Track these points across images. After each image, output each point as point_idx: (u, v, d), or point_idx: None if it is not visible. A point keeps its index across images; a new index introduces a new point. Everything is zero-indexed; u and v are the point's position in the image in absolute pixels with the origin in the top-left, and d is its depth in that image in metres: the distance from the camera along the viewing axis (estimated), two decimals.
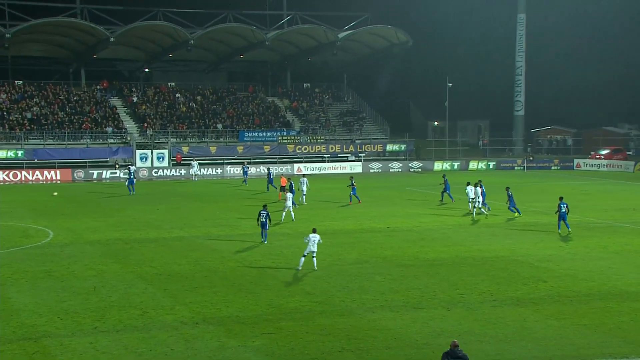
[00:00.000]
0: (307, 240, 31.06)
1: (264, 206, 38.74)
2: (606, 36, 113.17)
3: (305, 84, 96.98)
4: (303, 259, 31.14)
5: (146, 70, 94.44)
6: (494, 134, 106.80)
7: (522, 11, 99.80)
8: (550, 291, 28.23)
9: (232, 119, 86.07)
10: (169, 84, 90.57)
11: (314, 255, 31.10)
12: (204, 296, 27.26)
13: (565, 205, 39.52)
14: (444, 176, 54.90)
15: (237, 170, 76.69)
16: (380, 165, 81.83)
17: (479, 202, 46.27)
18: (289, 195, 45.35)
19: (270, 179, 61.27)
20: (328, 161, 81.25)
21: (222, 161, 78.79)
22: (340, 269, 31.85)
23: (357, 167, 79.97)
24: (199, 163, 73.30)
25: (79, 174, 73.08)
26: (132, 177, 59.12)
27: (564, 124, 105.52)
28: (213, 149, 79.94)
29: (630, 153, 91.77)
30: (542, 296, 27.52)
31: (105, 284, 29.00)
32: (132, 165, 67.11)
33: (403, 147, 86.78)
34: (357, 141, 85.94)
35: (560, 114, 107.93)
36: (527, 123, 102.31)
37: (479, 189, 46.89)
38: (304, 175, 56.44)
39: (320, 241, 31.47)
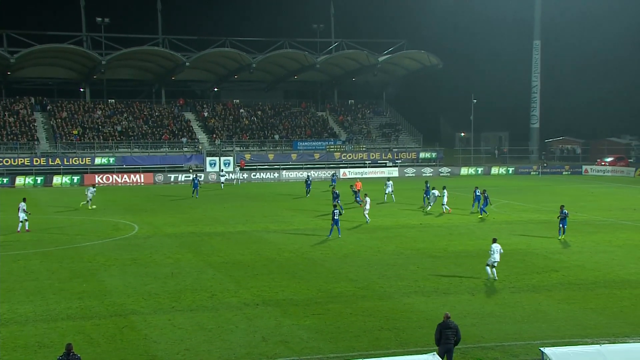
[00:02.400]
0: (491, 252, 27.49)
1: (334, 206, 39.23)
2: (610, 58, 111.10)
3: (350, 101, 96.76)
4: (488, 268, 27.58)
5: (215, 89, 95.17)
6: (513, 143, 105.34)
7: (537, 38, 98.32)
8: (561, 279, 27.81)
9: (287, 131, 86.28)
10: (234, 101, 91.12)
11: (495, 265, 27.55)
12: (263, 281, 27.38)
13: (566, 212, 36.90)
14: (426, 182, 52.33)
15: (292, 174, 77.17)
16: (414, 170, 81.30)
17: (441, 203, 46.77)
18: (368, 199, 42.55)
19: (308, 184, 58.66)
20: (369, 167, 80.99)
21: (278, 166, 79.02)
22: (380, 259, 31.75)
23: (394, 172, 79.53)
24: (226, 171, 73.17)
25: (159, 177, 73.95)
26: (196, 182, 58.59)
27: (573, 135, 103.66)
28: (271, 156, 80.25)
29: (632, 160, 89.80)
30: (554, 284, 27.12)
31: (180, 271, 29.31)
32: (197, 174, 67.31)
33: (434, 154, 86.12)
34: (394, 149, 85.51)
35: (570, 126, 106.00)
36: (541, 134, 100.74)
37: (445, 191, 47.34)
38: (388, 179, 56.21)
39: (502, 250, 27.85)
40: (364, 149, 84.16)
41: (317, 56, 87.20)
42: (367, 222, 41.90)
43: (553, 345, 17.48)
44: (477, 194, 46.06)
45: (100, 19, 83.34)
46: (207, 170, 75.41)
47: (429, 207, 48.15)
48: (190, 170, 74.40)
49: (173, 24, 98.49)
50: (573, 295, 25.35)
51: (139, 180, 73.06)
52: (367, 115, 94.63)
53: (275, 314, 23.12)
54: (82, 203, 50.60)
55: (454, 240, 36.70)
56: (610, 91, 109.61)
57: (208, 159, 76.78)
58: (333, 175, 66.10)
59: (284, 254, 33.13)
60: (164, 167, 75.65)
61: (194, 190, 57.59)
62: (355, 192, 52.30)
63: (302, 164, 79.64)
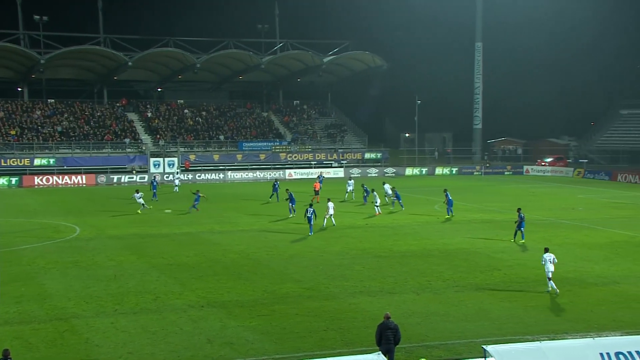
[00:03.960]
0: (543, 262, 26.05)
1: (310, 204, 39.69)
2: (549, 61, 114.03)
3: (295, 101, 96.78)
4: (549, 281, 25.89)
5: (159, 89, 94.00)
6: (456, 144, 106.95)
7: (479, 40, 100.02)
8: (503, 278, 28.32)
9: (233, 131, 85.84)
10: (178, 101, 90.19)
11: (550, 276, 25.87)
12: (208, 283, 27.18)
13: (523, 215, 36.93)
14: (362, 185, 53.99)
15: (238, 175, 76.82)
16: (360, 170, 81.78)
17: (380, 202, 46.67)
18: (331, 204, 41.91)
19: (275, 188, 55.36)
20: (315, 167, 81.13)
21: (224, 167, 78.51)
22: (326, 260, 31.83)
23: (339, 173, 79.89)
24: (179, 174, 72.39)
25: (102, 178, 72.68)
26: (155, 184, 57.39)
27: (515, 136, 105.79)
28: (216, 157, 79.70)
29: (570, 161, 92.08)
30: (497, 282, 27.61)
31: (124, 273, 28.88)
32: (155, 176, 66.27)
33: (379, 155, 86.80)
34: (339, 150, 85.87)
35: (512, 127, 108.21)
36: (484, 135, 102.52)
37: (376, 193, 47.50)
38: (350, 178, 56.46)
39: (555, 260, 26.10)
40: (309, 149, 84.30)
41: (262, 57, 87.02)
42: (323, 226, 41.08)
43: (495, 343, 17.80)
44: (449, 197, 45.79)
45: (38, 16, 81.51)
46: (151, 171, 74.41)
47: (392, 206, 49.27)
48: (134, 172, 73.20)
49: (115, 23, 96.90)
50: (515, 294, 25.84)
51: (80, 182, 71.66)
52: (313, 116, 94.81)
53: (221, 315, 22.96)
54: (138, 211, 47.93)
55: (399, 240, 37.02)
56: (549, 93, 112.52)
57: (152, 159, 75.81)
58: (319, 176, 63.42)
59: (230, 255, 32.93)
60: (107, 168, 74.39)
61: (153, 193, 55.83)
62: (316, 193, 52.65)
63: (247, 165, 79.38)
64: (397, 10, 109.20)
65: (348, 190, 55.73)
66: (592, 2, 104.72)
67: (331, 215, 41.43)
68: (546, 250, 26.34)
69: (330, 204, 41.52)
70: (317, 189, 53.31)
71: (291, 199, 45.97)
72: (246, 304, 24.27)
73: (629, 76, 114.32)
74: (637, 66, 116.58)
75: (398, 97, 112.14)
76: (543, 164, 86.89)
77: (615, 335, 19.96)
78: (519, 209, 37.23)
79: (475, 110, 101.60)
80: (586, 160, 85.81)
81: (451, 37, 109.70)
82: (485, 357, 16.15)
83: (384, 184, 53.18)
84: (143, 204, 48.00)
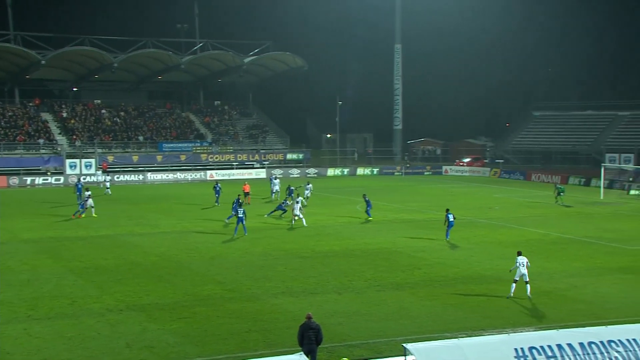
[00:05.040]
0: (517, 265, 25.57)
1: (240, 204, 39.47)
2: (465, 65, 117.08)
3: (216, 102, 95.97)
4: (514, 285, 25.55)
5: (74, 89, 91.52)
6: (377, 144, 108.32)
7: (398, 42, 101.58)
8: (424, 277, 28.87)
9: (152, 132, 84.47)
10: (95, 101, 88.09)
11: (527, 281, 25.39)
12: (128, 286, 26.70)
13: (452, 215, 37.85)
14: (216, 182, 53.97)
15: (158, 176, 75.61)
16: (282, 171, 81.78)
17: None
18: (297, 205, 42.18)
19: (217, 191, 52.90)
20: (236, 168, 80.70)
21: (143, 169, 77.14)
22: (248, 261, 31.74)
23: (261, 173, 79.72)
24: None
25: (14, 180, 70.16)
26: (79, 186, 55.22)
27: (434, 137, 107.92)
28: (135, 158, 78.25)
29: (487, 161, 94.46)
30: (417, 281, 28.12)
31: (38, 277, 28.04)
32: (80, 178, 64.26)
33: (301, 155, 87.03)
34: (261, 151, 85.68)
35: (431, 128, 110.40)
36: (404, 136, 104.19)
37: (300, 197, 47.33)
38: (308, 182, 55.41)
39: (528, 264, 25.66)
40: (231, 150, 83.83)
41: (182, 56, 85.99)
42: (291, 223, 41.97)
43: (415, 341, 18.14)
44: (367, 199, 46.12)
45: None
46: (67, 172, 72.44)
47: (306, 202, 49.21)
48: (48, 173, 71.01)
49: (26, 20, 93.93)
50: (434, 292, 26.39)
51: None
52: (234, 117, 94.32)
53: (140, 319, 22.59)
54: (93, 214, 45.74)
55: (322, 240, 37.23)
56: (467, 94, 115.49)
57: (68, 161, 73.75)
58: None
59: (150, 257, 32.43)
60: (19, 170, 71.95)
61: (78, 196, 53.22)
62: (246, 194, 52.05)
63: (168, 166, 78.27)
64: (318, 11, 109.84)
65: (274, 190, 55.63)
66: (506, 6, 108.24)
67: (299, 216, 41.83)
68: (519, 254, 25.91)
69: (297, 205, 42.31)
70: (246, 191, 52.72)
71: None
72: (167, 307, 23.96)
73: (542, 79, 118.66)
74: (548, 69, 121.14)
75: (319, 98, 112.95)
76: (461, 164, 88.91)
77: (530, 331, 20.63)
78: (447, 210, 38.26)
79: (395, 111, 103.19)
80: (502, 161, 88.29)
81: (371, 38, 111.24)
82: (405, 355, 16.45)
83: (307, 183, 53.55)
84: (92, 206, 46.19)
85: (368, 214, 45.18)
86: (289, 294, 25.92)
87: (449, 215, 37.45)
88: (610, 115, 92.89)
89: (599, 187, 62.36)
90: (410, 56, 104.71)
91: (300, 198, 45.43)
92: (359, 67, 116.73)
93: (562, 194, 53.38)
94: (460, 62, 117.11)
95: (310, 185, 54.72)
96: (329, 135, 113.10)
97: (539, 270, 30.05)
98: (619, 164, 76.90)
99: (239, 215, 38.26)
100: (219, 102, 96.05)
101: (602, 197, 58.37)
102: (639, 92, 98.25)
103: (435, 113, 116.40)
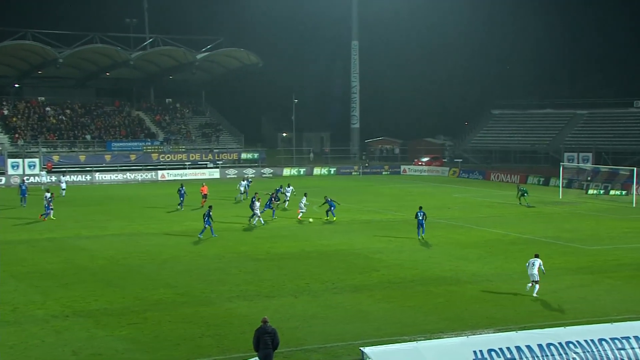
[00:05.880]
0: (527, 265, 26.63)
1: (209, 207, 39.16)
2: (423, 63, 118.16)
3: (167, 100, 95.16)
4: (530, 285, 26.34)
5: (16, 85, 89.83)
6: (334, 143, 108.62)
7: (355, 38, 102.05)
8: (381, 278, 29.05)
9: (100, 131, 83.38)
10: (39, 98, 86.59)
11: (537, 281, 26.19)
12: (74, 291, 26.30)
13: (422, 213, 38.57)
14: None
15: (107, 177, 74.63)
16: (236, 171, 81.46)
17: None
18: (257, 204, 42.33)
19: (181, 194, 51.19)
20: (189, 168, 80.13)
21: (91, 169, 76.07)
22: (201, 264, 31.56)
23: (215, 174, 79.27)
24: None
25: None
26: (24, 188, 53.90)
27: (392, 136, 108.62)
28: (82, 158, 77.13)
29: (446, 160, 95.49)
30: (375, 283, 28.28)
31: None
32: (24, 179, 62.84)
33: (256, 155, 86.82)
34: (215, 150, 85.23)
35: (389, 127, 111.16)
36: (362, 134, 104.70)
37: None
38: (289, 185, 54.60)
39: (542, 266, 26.38)
40: (183, 149, 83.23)
41: (131, 52, 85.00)
42: (261, 223, 42.49)
43: (373, 345, 18.26)
44: (329, 200, 45.94)
45: None
46: (9, 173, 71.03)
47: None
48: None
49: None
50: (392, 294, 26.57)
51: None
52: (186, 115, 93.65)
53: (88, 325, 22.29)
54: (52, 217, 44.60)
55: (277, 242, 37.20)
56: (425, 93, 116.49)
57: (10, 160, 72.29)
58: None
59: (98, 261, 32.02)
60: None
61: (21, 199, 52.08)
62: (203, 196, 51.46)
63: (117, 166, 77.31)
64: (273, 6, 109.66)
65: (241, 191, 55.15)
66: (465, 3, 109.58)
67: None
68: (536, 256, 26.67)
69: (257, 204, 42.52)
70: (204, 193, 52.11)
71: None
72: (115, 312, 23.68)
73: (500, 77, 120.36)
74: (507, 67, 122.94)
75: (275, 96, 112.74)
76: (420, 163, 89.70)
77: (488, 333, 20.93)
78: (420, 207, 39.20)
79: (353, 110, 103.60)
80: (461, 160, 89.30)
81: (328, 34, 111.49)
82: (363, 359, 16.54)
83: (288, 185, 53.56)
84: (51, 208, 44.98)
85: (333, 214, 45.28)
86: (243, 297, 25.84)
87: (419, 214, 38.31)
88: (568, 114, 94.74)
89: (558, 186, 63.58)
90: (368, 53, 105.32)
91: (304, 199, 46.12)
92: (315, 65, 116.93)
93: (526, 194, 54.10)
94: (418, 60, 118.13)
95: (291, 187, 54.15)
96: (284, 134, 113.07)
97: (497, 271, 30.50)
98: (578, 163, 78.47)
99: (205, 218, 38.07)
100: (170, 100, 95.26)
101: (560, 197, 59.48)
102: (598, 90, 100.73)
103: (393, 111, 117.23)
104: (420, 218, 38.42)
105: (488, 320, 23.23)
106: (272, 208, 46.54)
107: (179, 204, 50.66)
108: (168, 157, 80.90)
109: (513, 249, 35.67)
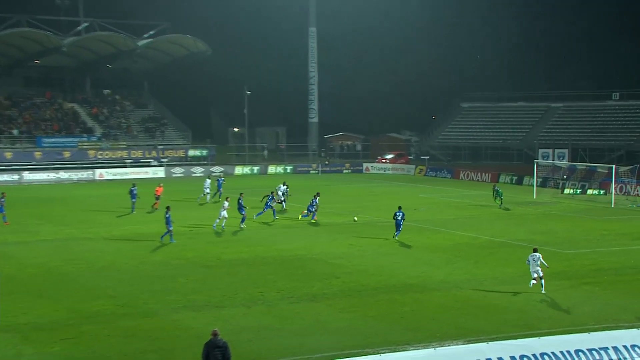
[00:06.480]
0: (527, 262, 28.10)
1: (167, 207, 38.99)
2: (386, 52, 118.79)
3: (105, 91, 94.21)
4: (533, 282, 27.69)
5: None
6: (290, 139, 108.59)
7: (313, 25, 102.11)
8: (342, 286, 29.13)
9: (29, 125, 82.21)
10: None
11: (541, 276, 27.66)
12: (1, 304, 25.83)
13: (402, 214, 39.48)
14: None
15: (37, 176, 73.52)
16: (183, 170, 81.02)
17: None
18: (226, 204, 42.21)
19: (133, 195, 50.40)
20: (130, 166, 79.38)
21: (18, 167, 74.90)
22: (144, 271, 31.32)
23: (159, 172, 78.68)
24: None
25: None
26: None
27: (353, 131, 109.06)
28: (8, 155, 75.91)
29: (411, 157, 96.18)
30: (335, 291, 28.35)
31: None
32: None
33: (205, 152, 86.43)
34: (159, 147, 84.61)
35: (350, 121, 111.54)
36: (321, 130, 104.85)
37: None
38: (284, 183, 53.95)
39: (542, 259, 27.76)
40: (123, 146, 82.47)
41: (63, 38, 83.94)
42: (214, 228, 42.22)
43: (334, 358, 18.30)
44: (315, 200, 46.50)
45: None
46: None
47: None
48: None
49: None
50: (354, 303, 26.65)
51: None
52: (127, 108, 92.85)
53: (15, 341, 21.97)
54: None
55: (228, 247, 37.08)
56: (389, 85, 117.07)
57: None
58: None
59: (27, 269, 31.57)
60: None
61: None
62: (157, 197, 50.84)
63: (48, 164, 76.23)
64: None
65: (206, 192, 54.88)
66: None
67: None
68: (534, 250, 28.17)
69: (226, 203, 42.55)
70: (158, 194, 51.59)
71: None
72: (47, 327, 23.37)
73: (470, 68, 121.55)
74: (477, 57, 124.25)
75: (225, 87, 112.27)
76: (383, 161, 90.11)
77: (457, 344, 21.10)
78: (399, 207, 40.03)
79: (311, 103, 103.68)
80: (428, 157, 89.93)
81: (284, 21, 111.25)
82: None
83: (284, 183, 53.22)
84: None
85: (313, 216, 45.49)
86: (191, 308, 25.70)
87: (397, 214, 39.31)
88: (543, 107, 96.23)
89: (532, 185, 64.40)
90: (327, 41, 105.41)
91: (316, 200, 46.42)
92: (269, 53, 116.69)
93: (501, 196, 54.56)
94: (382, 49, 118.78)
95: (286, 186, 53.64)
96: (236, 129, 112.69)
97: (467, 277, 30.80)
98: (553, 160, 79.66)
99: (167, 216, 38.03)
100: (109, 91, 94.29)
101: (535, 197, 60.29)
102: (574, 82, 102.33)
103: (354, 104, 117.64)
104: (399, 218, 39.30)
105: (457, 331, 23.43)
106: (272, 208, 46.39)
107: (131, 207, 49.73)
108: (107, 155, 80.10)
109: (484, 253, 36.06)
